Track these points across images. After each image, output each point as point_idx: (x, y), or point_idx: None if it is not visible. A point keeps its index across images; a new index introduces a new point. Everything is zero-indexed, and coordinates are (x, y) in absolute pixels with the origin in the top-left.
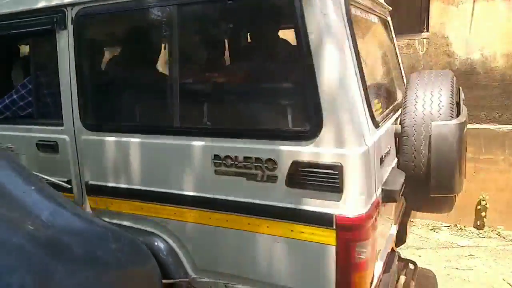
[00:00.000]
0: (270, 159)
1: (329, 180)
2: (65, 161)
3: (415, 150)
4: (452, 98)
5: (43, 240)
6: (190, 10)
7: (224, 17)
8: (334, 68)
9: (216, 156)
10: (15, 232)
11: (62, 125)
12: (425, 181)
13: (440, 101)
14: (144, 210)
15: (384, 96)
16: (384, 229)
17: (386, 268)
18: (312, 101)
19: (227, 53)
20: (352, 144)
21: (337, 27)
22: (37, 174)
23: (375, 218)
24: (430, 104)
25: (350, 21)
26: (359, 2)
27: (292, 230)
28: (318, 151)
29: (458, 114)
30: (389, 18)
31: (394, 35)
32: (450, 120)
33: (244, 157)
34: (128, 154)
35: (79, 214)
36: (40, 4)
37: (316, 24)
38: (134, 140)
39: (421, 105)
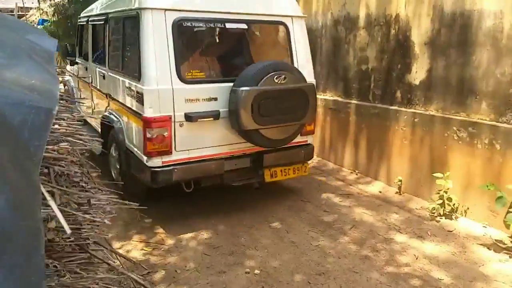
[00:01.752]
0: (135, 89)
1: (140, 99)
2: None
3: (231, 102)
4: (263, 73)
5: None
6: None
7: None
8: (148, 50)
9: (126, 87)
10: None
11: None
12: None
13: (250, 77)
14: (112, 106)
15: (218, 70)
16: (203, 135)
17: (202, 158)
18: (139, 66)
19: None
20: (148, 86)
21: (151, 29)
22: None
23: (169, 122)
24: (250, 77)
25: (175, 26)
26: (197, 18)
27: (138, 120)
28: (140, 86)
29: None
30: (292, 23)
31: (295, 35)
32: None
33: (129, 87)
34: (102, 77)
35: None
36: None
37: (145, 28)
38: (101, 70)
39: (240, 78)
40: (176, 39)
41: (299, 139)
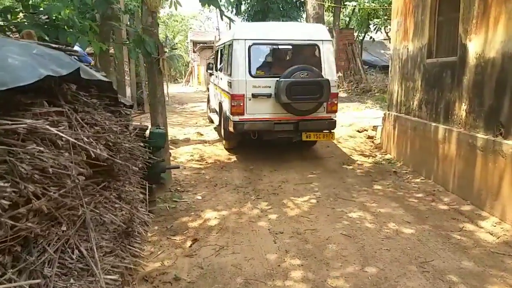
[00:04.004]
0: (228, 80)
1: (230, 85)
2: None
3: (276, 87)
4: (293, 72)
5: None
6: (223, 47)
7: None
8: (235, 60)
9: (226, 79)
10: None
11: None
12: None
13: (287, 74)
14: (223, 94)
15: (272, 71)
16: (261, 106)
17: (260, 119)
18: (231, 68)
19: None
20: (236, 77)
21: (237, 49)
22: None
23: (243, 97)
24: (286, 74)
25: (249, 47)
26: (261, 43)
27: (228, 96)
28: (230, 78)
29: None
30: (322, 44)
31: (324, 51)
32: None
33: (227, 79)
34: (220, 79)
35: None
36: (225, 41)
37: (234, 49)
38: (220, 74)
39: (283, 75)
40: (250, 54)
41: (325, 115)
